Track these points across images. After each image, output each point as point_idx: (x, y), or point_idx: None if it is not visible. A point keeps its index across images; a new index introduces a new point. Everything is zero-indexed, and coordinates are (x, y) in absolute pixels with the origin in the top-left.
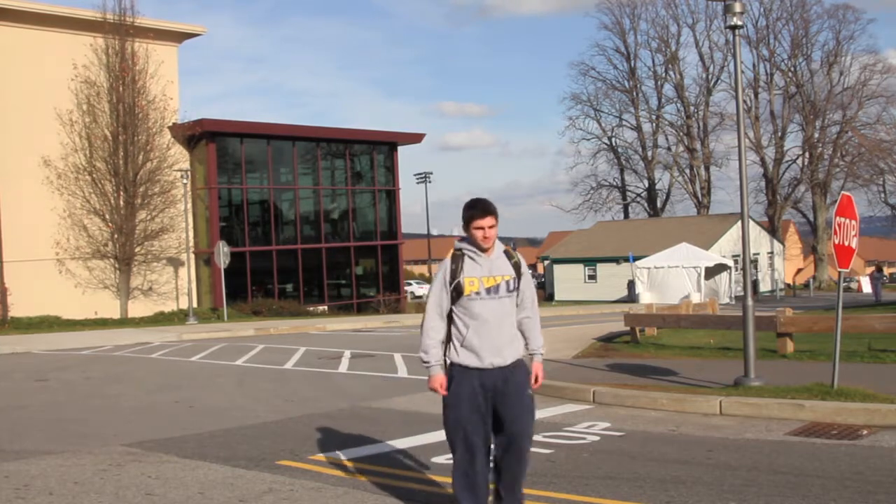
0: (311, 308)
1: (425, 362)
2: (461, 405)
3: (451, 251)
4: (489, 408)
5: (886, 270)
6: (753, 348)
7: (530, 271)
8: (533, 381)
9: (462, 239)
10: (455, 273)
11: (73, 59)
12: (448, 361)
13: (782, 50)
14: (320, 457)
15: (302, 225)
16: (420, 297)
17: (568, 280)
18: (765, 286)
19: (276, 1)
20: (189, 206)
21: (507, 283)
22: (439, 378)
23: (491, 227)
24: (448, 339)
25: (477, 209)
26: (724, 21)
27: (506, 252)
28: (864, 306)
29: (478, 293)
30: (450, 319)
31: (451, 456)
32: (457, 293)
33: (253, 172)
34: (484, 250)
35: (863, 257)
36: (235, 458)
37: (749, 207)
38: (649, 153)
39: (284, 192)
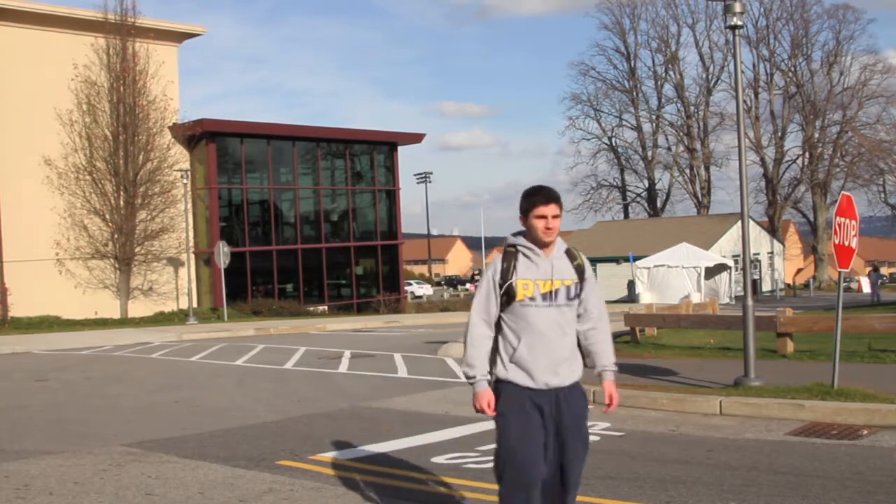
0: (311, 308)
1: (470, 377)
2: (511, 427)
3: (503, 247)
4: (548, 432)
5: (886, 271)
6: (753, 348)
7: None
8: (606, 402)
9: (517, 233)
10: (507, 273)
11: (74, 59)
12: (493, 377)
13: (782, 50)
14: (320, 457)
15: (302, 225)
16: (420, 297)
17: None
18: (765, 286)
19: (276, 1)
20: (189, 206)
21: (568, 288)
22: (486, 395)
23: (555, 216)
24: (494, 351)
25: (540, 195)
26: (724, 21)
27: (568, 252)
28: (862, 306)
29: (532, 299)
30: (497, 328)
31: (451, 456)
32: (508, 298)
33: (253, 172)
34: (545, 245)
35: (863, 257)
36: (235, 458)
37: (749, 207)
38: (649, 153)
39: (284, 192)
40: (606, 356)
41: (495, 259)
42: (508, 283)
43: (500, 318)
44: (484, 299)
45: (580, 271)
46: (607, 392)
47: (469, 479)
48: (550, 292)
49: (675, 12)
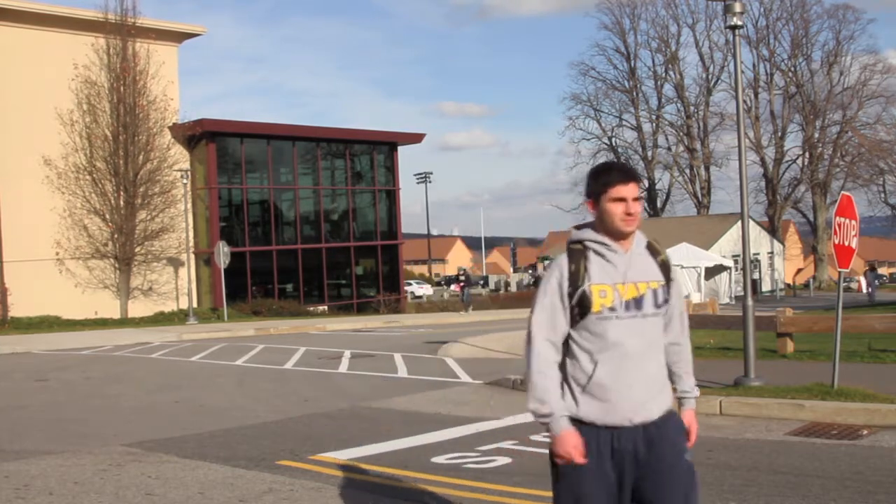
0: (311, 308)
1: (543, 416)
2: (583, 481)
3: (567, 245)
4: (627, 488)
5: (886, 271)
6: (753, 348)
7: (530, 272)
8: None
9: (582, 226)
10: (576, 278)
11: (74, 59)
12: None
13: (782, 50)
14: (320, 457)
15: (302, 225)
16: (420, 297)
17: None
18: (765, 286)
19: (276, 1)
20: (189, 206)
21: (655, 293)
22: (571, 437)
23: (636, 199)
24: (562, 380)
25: (617, 171)
26: (724, 21)
27: (649, 246)
28: (859, 307)
29: (612, 309)
30: (564, 349)
31: (451, 456)
32: (580, 309)
33: (253, 172)
34: (624, 237)
35: (863, 257)
36: (235, 458)
37: (749, 207)
38: (649, 153)
39: (284, 192)
40: (688, 379)
41: (557, 261)
42: (580, 290)
43: (569, 335)
44: (548, 314)
45: (666, 270)
46: (687, 424)
47: (469, 479)
48: (634, 299)
49: (675, 12)
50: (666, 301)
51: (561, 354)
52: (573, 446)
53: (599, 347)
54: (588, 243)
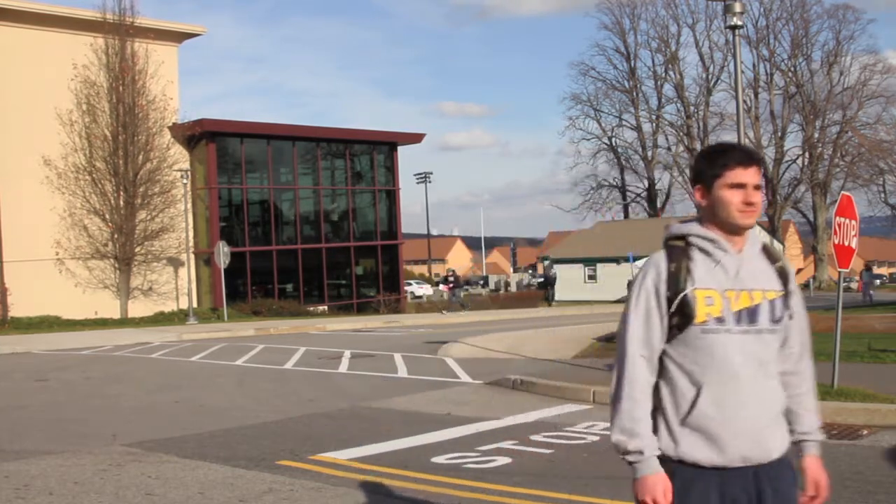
0: (311, 308)
1: (632, 452)
2: None
3: (664, 241)
4: None
5: (886, 271)
6: None
7: (530, 272)
8: (810, 491)
9: (684, 219)
10: (677, 280)
11: (73, 59)
12: None
13: (782, 50)
14: (320, 457)
15: (302, 225)
16: (420, 297)
17: (568, 280)
18: None
19: (276, 1)
20: (189, 206)
21: (772, 304)
22: (660, 482)
23: (756, 187)
24: (652, 410)
25: (736, 152)
26: (724, 21)
27: (764, 249)
28: (858, 307)
29: (720, 320)
30: (660, 368)
31: (451, 456)
32: (681, 319)
33: (253, 172)
34: (739, 232)
35: (863, 257)
36: (235, 458)
37: None
38: (649, 153)
39: (284, 192)
40: (810, 417)
41: (652, 259)
42: (682, 294)
43: (664, 351)
44: (642, 323)
45: (784, 278)
46: (811, 476)
47: (469, 479)
48: (747, 310)
49: (675, 12)
50: (784, 316)
51: (655, 375)
52: (662, 491)
53: (704, 368)
54: (693, 239)
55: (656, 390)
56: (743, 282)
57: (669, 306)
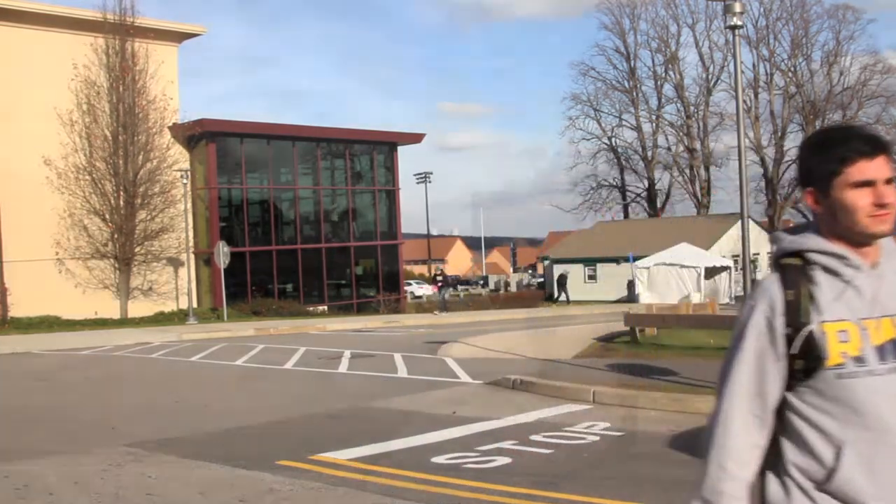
0: (311, 308)
1: None
2: None
3: (774, 259)
4: None
5: None
6: None
7: (529, 272)
8: None
9: (795, 228)
10: (796, 311)
11: (74, 59)
12: None
13: (782, 50)
14: (320, 457)
15: (302, 225)
16: (420, 297)
17: (568, 280)
18: None
19: (277, 1)
20: (189, 206)
21: None
22: None
23: (888, 181)
24: (773, 470)
25: (856, 141)
26: (724, 21)
27: None
28: None
29: (859, 360)
30: (779, 422)
31: (451, 456)
32: (808, 363)
33: (253, 172)
34: (870, 241)
35: None
36: (235, 458)
37: (749, 207)
38: (649, 153)
39: (284, 192)
40: None
41: (762, 286)
42: (806, 330)
43: (784, 401)
44: (753, 372)
45: None
46: None
47: (469, 479)
48: (893, 342)
49: (675, 12)
50: None
51: (767, 434)
52: None
53: (843, 422)
54: (813, 255)
55: (777, 449)
56: (884, 306)
57: (790, 346)
